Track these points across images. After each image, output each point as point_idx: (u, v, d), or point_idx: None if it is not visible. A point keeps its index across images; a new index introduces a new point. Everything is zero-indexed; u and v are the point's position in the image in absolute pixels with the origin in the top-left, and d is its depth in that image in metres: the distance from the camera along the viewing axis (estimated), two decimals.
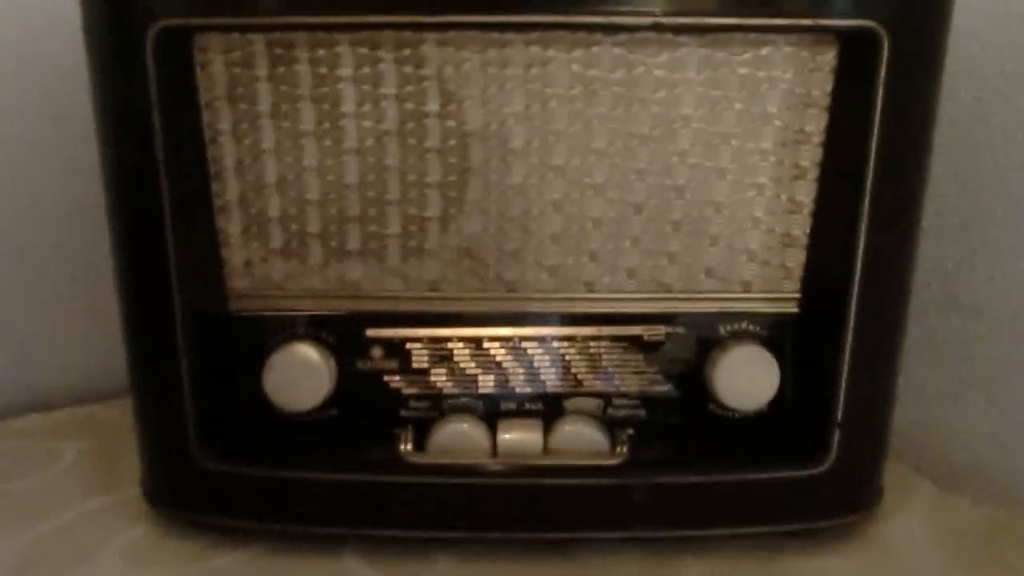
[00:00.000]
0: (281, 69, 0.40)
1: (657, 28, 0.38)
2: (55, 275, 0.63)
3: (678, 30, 0.39)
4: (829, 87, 0.40)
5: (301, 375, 0.43)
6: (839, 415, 0.42)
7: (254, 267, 0.43)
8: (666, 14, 0.37)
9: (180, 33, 0.38)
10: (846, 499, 0.45)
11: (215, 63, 0.40)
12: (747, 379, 0.43)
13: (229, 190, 0.42)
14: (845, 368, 0.42)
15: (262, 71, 0.40)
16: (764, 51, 0.40)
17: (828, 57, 0.40)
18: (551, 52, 0.40)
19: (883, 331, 0.42)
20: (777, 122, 0.41)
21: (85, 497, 0.48)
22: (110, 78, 0.39)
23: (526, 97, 0.40)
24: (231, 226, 0.42)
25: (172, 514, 0.45)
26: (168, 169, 0.39)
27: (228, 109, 0.40)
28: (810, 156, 0.42)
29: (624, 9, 0.37)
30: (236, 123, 0.41)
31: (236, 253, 0.43)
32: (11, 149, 0.61)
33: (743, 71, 0.40)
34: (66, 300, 0.64)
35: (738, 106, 0.41)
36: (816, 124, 0.41)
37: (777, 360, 0.43)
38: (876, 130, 0.39)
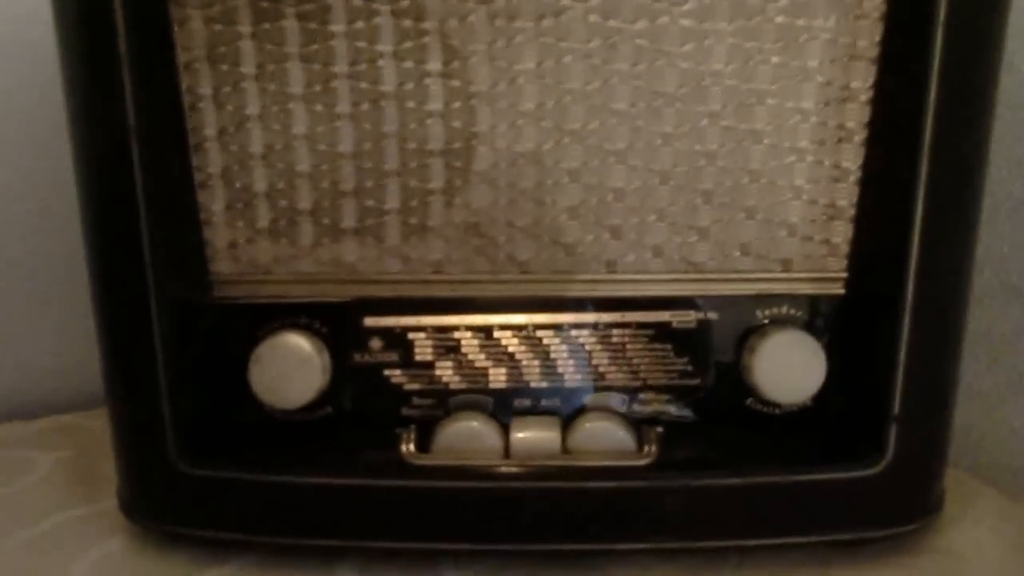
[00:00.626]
0: (266, 25, 0.36)
1: None
2: (33, 280, 0.61)
3: None
4: (877, 37, 0.37)
5: (291, 369, 0.39)
6: (896, 408, 0.38)
7: (239, 249, 0.39)
8: None
9: None
10: (904, 506, 0.40)
11: (193, 19, 0.36)
12: (789, 369, 0.39)
13: (211, 163, 0.38)
14: (902, 356, 0.38)
15: (245, 28, 0.36)
16: None
17: (876, 2, 0.36)
18: (565, 1, 0.36)
19: (944, 313, 0.38)
20: (819, 78, 0.37)
21: (59, 508, 0.45)
22: (76, 38, 0.36)
23: (538, 52, 0.36)
24: (213, 203, 0.39)
25: (150, 526, 0.41)
26: (141, 139, 0.36)
27: (209, 71, 0.37)
28: (856, 116, 0.38)
29: None
30: (218, 87, 0.37)
31: (219, 233, 0.39)
32: None
33: (780, 20, 0.36)
34: (44, 305, 0.61)
35: (775, 59, 0.37)
36: (863, 79, 0.37)
37: (823, 348, 0.39)
38: (934, 85, 0.35)
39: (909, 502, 0.40)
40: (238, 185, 0.38)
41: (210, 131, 0.38)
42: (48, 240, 0.60)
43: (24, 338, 0.61)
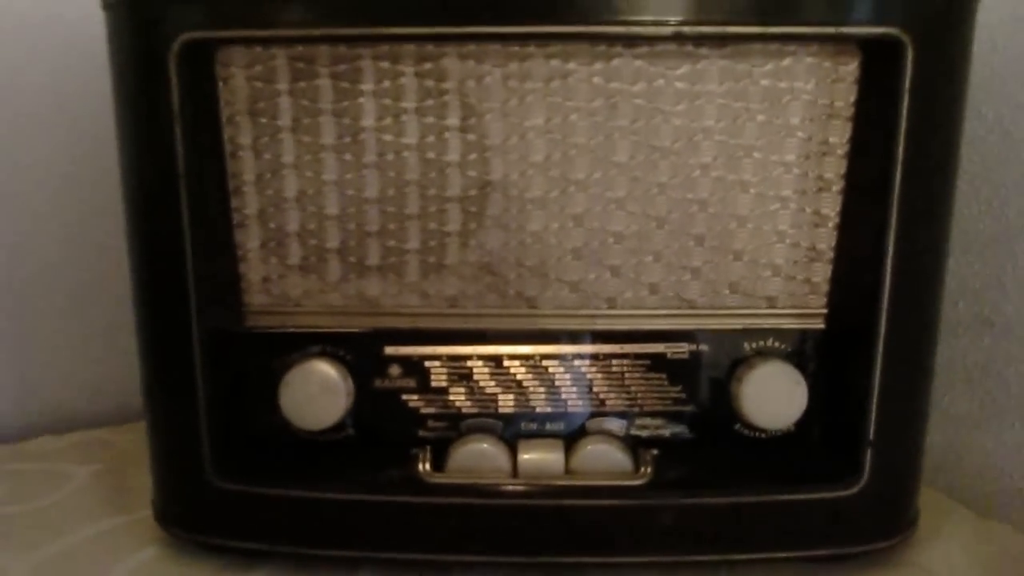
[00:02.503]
0: (302, 83, 0.40)
1: (678, 38, 0.38)
2: (73, 297, 0.63)
3: (699, 40, 0.39)
4: (852, 97, 0.40)
5: (318, 393, 0.42)
6: (871, 433, 0.41)
7: (272, 283, 0.43)
8: (687, 24, 0.37)
9: (203, 46, 0.38)
10: (881, 523, 0.43)
11: (237, 77, 0.40)
12: (774, 397, 0.42)
13: (248, 204, 0.42)
14: (876, 384, 0.41)
15: (283, 85, 0.40)
16: (785, 62, 0.40)
17: (851, 67, 0.40)
18: (571, 65, 0.39)
19: (915, 345, 0.41)
20: (800, 134, 0.41)
21: (96, 518, 0.48)
22: (133, 91, 0.39)
23: (547, 110, 0.40)
24: (249, 241, 0.42)
25: (184, 535, 0.44)
26: (188, 183, 0.39)
27: (249, 123, 0.40)
28: (834, 168, 0.41)
29: (645, 20, 0.37)
30: (256, 137, 0.41)
31: (254, 268, 0.42)
32: (32, 168, 0.61)
33: (765, 82, 0.40)
34: (83, 322, 0.64)
35: (760, 118, 0.40)
36: (840, 135, 0.41)
37: (804, 377, 0.42)
38: (902, 140, 0.38)
39: (886, 520, 0.43)
40: (272, 225, 0.42)
41: (248, 176, 0.41)
42: (87, 256, 0.63)
43: (60, 354, 0.64)
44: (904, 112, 0.38)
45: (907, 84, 0.38)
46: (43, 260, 0.63)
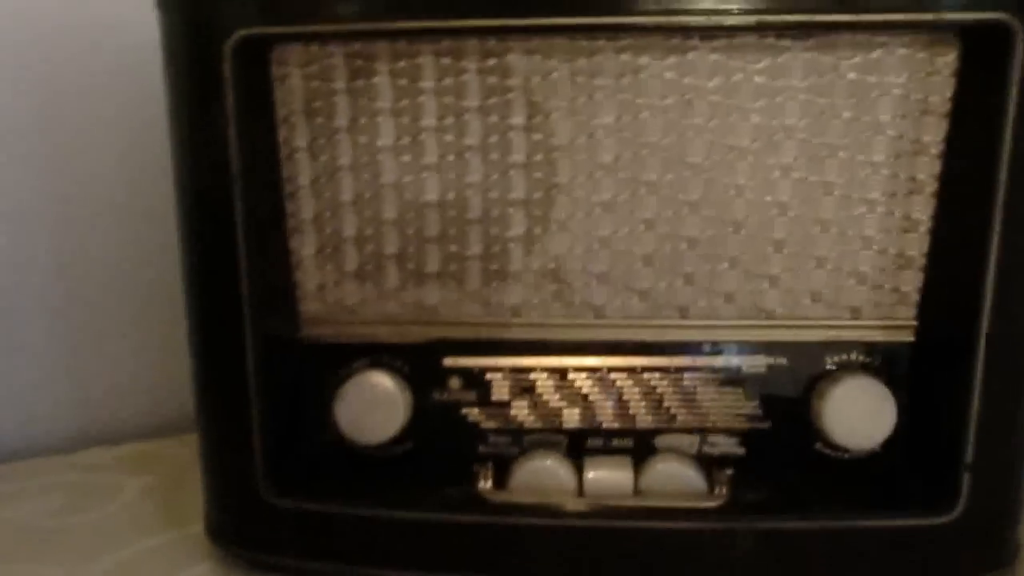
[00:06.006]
0: (360, 82, 0.38)
1: (759, 29, 0.36)
2: (126, 308, 0.63)
3: (781, 31, 0.36)
4: (949, 92, 0.37)
5: (374, 406, 0.40)
6: (968, 455, 0.38)
7: (327, 291, 0.41)
8: (769, 12, 0.34)
9: (258, 43, 0.37)
10: (978, 555, 0.40)
11: (293, 76, 0.38)
12: (859, 415, 0.40)
13: (304, 209, 0.40)
14: (975, 402, 0.38)
15: (340, 84, 0.38)
16: (875, 54, 0.37)
17: (948, 59, 0.37)
18: (643, 59, 0.37)
19: (1017, 360, 0.38)
20: (890, 132, 0.38)
21: (147, 533, 0.47)
22: (187, 91, 0.38)
23: (617, 108, 0.38)
24: (304, 247, 0.41)
25: (236, 552, 0.43)
26: (243, 187, 0.38)
27: (305, 124, 0.39)
28: (927, 169, 0.38)
29: (724, 8, 0.34)
30: (313, 139, 0.39)
31: (309, 276, 0.41)
32: (88, 176, 0.61)
33: (852, 76, 0.37)
34: (135, 333, 0.64)
35: (846, 115, 0.38)
36: (934, 133, 0.38)
37: (892, 394, 0.39)
38: (1008, 139, 0.35)
39: (981, 553, 0.40)
40: (328, 230, 0.40)
41: (304, 180, 0.40)
42: (139, 269, 0.63)
43: (115, 364, 0.64)
44: (1011, 108, 0.35)
45: (1015, 76, 0.35)
46: (100, 268, 0.62)
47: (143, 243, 0.63)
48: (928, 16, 0.34)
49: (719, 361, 0.41)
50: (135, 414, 0.64)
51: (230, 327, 0.39)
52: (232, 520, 0.43)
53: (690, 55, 0.37)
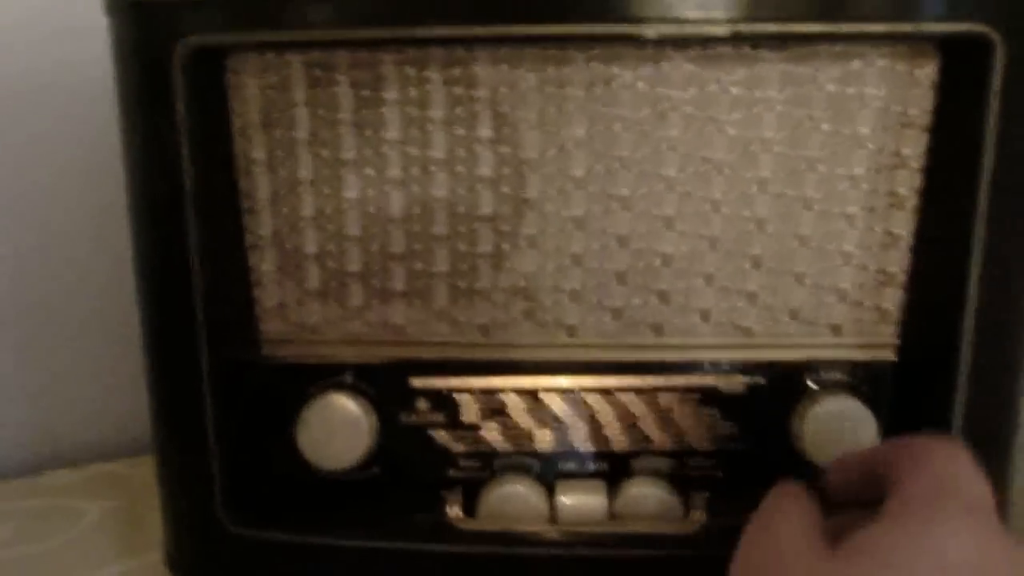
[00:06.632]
0: (320, 92, 0.37)
1: (735, 39, 0.34)
2: (85, 327, 0.61)
3: (758, 41, 0.35)
4: (930, 105, 0.36)
5: (338, 430, 0.39)
6: None
7: (288, 310, 0.39)
8: (744, 21, 0.33)
9: (212, 52, 0.35)
10: None
11: (249, 86, 0.37)
12: (840, 436, 0.38)
13: (262, 225, 0.38)
14: (957, 422, 0.37)
15: (299, 95, 0.37)
16: (854, 65, 0.36)
17: (928, 70, 0.36)
18: (615, 69, 0.36)
19: (999, 379, 0.37)
20: (870, 145, 0.37)
21: (107, 561, 0.46)
22: (136, 102, 0.36)
23: (588, 120, 0.36)
24: (264, 264, 0.39)
25: None
26: (197, 202, 0.36)
27: (263, 136, 0.37)
28: (908, 183, 0.37)
29: (697, 18, 0.33)
30: (271, 152, 0.37)
31: (269, 294, 0.39)
32: (45, 188, 0.59)
33: (830, 88, 0.36)
34: (96, 352, 0.62)
35: (825, 127, 0.36)
36: (914, 147, 0.37)
37: (874, 415, 0.38)
38: (988, 153, 0.34)
39: None
40: (289, 247, 0.39)
41: (262, 194, 0.38)
42: (102, 281, 0.61)
43: (74, 382, 0.62)
44: (991, 121, 0.34)
45: (996, 88, 0.34)
46: (61, 284, 0.61)
47: (104, 258, 0.61)
48: (907, 27, 0.33)
49: (695, 381, 0.39)
50: (101, 435, 0.62)
51: (185, 348, 0.38)
52: (191, 550, 0.41)
53: (663, 65, 0.36)
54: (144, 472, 0.55)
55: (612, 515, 0.39)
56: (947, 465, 0.29)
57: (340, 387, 0.39)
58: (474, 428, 0.40)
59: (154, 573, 0.43)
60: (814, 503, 0.32)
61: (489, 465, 0.40)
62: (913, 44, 0.35)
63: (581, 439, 0.40)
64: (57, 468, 0.57)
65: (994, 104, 0.34)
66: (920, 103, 0.36)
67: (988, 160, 0.35)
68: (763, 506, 0.32)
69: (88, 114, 0.58)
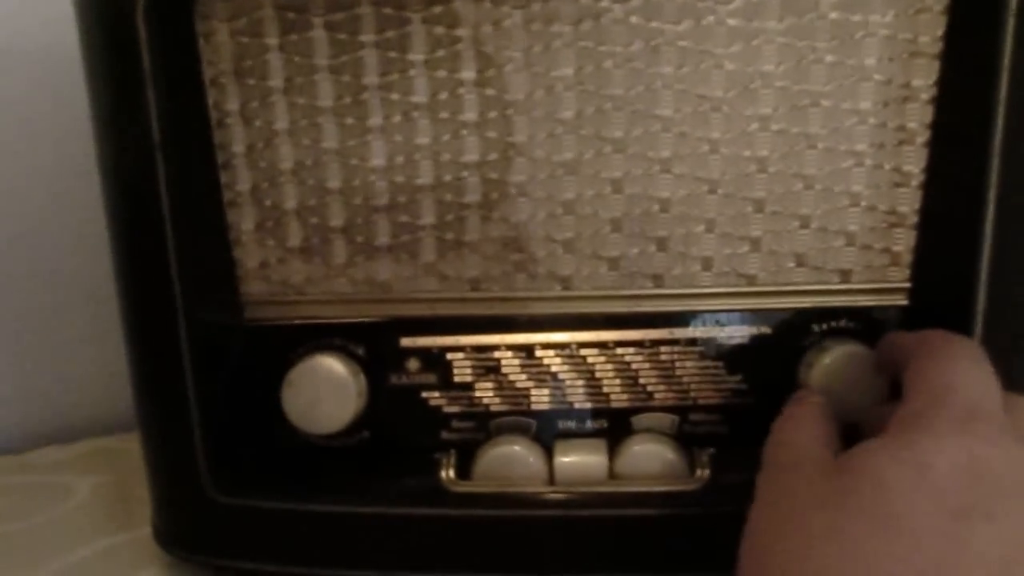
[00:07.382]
0: (294, 37, 0.35)
1: None
2: (71, 302, 0.60)
3: None
4: (940, 31, 0.34)
5: (326, 392, 0.37)
6: None
7: (270, 269, 0.38)
8: None
9: None
10: None
11: (219, 32, 0.35)
12: (850, 386, 0.37)
13: (239, 180, 0.37)
14: None
15: (273, 40, 0.35)
16: None
17: None
18: (604, 3, 0.34)
19: (1017, 323, 0.35)
20: (876, 76, 0.35)
21: (97, 536, 0.44)
22: (100, 52, 0.34)
23: (577, 58, 0.35)
24: (243, 222, 0.37)
25: (184, 556, 0.40)
26: (167, 157, 0.35)
27: (236, 86, 0.36)
28: (918, 116, 0.35)
29: None
30: (245, 102, 0.36)
31: (249, 253, 0.38)
32: (33, 164, 0.58)
33: (834, 16, 0.34)
34: (84, 327, 0.60)
35: (829, 59, 0.34)
36: (925, 77, 0.35)
37: None
38: (1004, 81, 0.32)
39: None
40: (268, 203, 0.37)
41: (238, 148, 0.36)
42: (88, 256, 0.59)
43: (64, 357, 0.61)
44: (1007, 46, 0.32)
45: (1010, 9, 0.31)
46: (47, 254, 0.59)
47: (94, 229, 0.59)
48: None
49: (698, 332, 0.38)
50: (91, 409, 0.61)
51: (162, 313, 0.36)
52: (179, 522, 0.40)
53: None
54: (133, 446, 0.54)
55: (613, 474, 0.37)
56: (944, 374, 0.29)
57: (326, 348, 0.38)
58: (467, 388, 0.38)
59: (144, 547, 0.42)
60: (828, 410, 0.33)
61: (484, 426, 0.39)
62: None
63: (579, 396, 0.38)
64: (45, 445, 0.56)
65: (1009, 28, 0.32)
66: (930, 29, 0.34)
67: (1003, 89, 0.32)
68: (780, 417, 0.34)
69: (60, 74, 0.57)
